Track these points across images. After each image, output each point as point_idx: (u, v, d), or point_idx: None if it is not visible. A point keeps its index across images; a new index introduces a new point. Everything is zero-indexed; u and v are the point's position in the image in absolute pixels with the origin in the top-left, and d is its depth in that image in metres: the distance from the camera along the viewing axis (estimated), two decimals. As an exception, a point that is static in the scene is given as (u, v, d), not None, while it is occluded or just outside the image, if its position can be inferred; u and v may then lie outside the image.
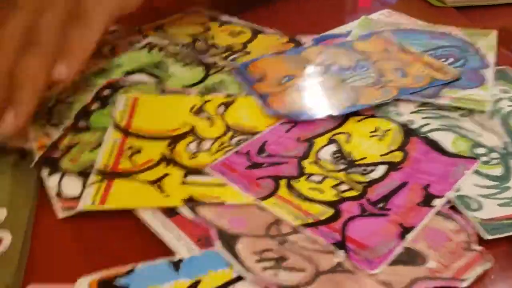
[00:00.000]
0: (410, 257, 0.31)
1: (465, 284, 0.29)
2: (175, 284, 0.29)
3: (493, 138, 0.40)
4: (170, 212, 0.35)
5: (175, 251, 0.32)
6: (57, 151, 0.41)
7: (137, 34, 0.59)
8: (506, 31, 0.56)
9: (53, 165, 0.39)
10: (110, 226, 0.35)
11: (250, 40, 0.57)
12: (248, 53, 0.55)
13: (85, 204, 0.36)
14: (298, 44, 0.55)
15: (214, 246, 0.32)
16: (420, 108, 0.44)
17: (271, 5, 0.66)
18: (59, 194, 0.37)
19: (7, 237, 0.34)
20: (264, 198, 0.35)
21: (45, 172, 0.39)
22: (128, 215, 0.35)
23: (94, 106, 0.45)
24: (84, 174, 0.39)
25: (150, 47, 0.54)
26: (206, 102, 0.46)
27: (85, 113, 0.45)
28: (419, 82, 0.47)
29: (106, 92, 0.47)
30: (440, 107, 0.44)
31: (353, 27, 0.58)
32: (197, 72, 0.51)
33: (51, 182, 0.38)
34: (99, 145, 0.41)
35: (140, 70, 0.51)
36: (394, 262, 0.30)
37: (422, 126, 0.42)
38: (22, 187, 0.38)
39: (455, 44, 0.54)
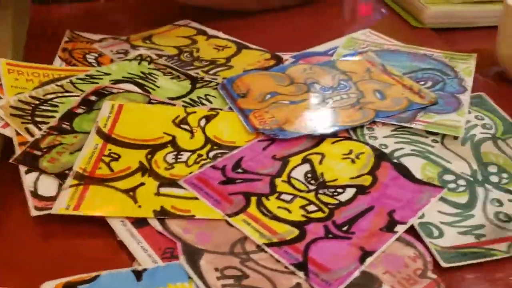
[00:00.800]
0: (366, 281, 0.32)
1: (417, 310, 0.30)
2: (136, 294, 0.31)
3: (463, 165, 0.41)
4: (140, 223, 0.36)
5: (140, 262, 0.33)
6: (38, 150, 0.42)
7: (125, 43, 0.60)
8: (482, 54, 0.57)
9: (32, 163, 0.40)
10: (81, 231, 0.36)
11: (234, 55, 0.58)
12: (231, 67, 0.56)
13: (60, 207, 0.37)
14: (280, 60, 0.57)
15: (179, 259, 0.33)
16: (394, 132, 0.45)
17: (257, 22, 0.67)
18: (34, 193, 0.38)
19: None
20: (233, 214, 0.36)
21: (23, 169, 0.40)
22: (99, 222, 0.36)
23: (80, 110, 0.47)
24: (61, 175, 0.40)
25: (141, 59, 0.56)
26: (189, 114, 0.47)
27: (70, 115, 0.46)
28: (397, 105, 0.48)
29: (93, 98, 0.48)
30: (414, 132, 0.45)
31: (334, 45, 0.59)
32: (184, 85, 0.53)
33: (28, 179, 0.39)
34: (80, 148, 0.42)
35: (129, 79, 0.52)
36: (351, 285, 0.31)
37: (394, 150, 0.43)
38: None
39: (435, 67, 0.55)
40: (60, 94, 0.48)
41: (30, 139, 0.43)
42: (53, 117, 0.45)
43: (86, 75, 0.52)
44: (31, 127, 0.44)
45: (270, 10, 0.69)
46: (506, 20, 0.53)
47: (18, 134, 0.43)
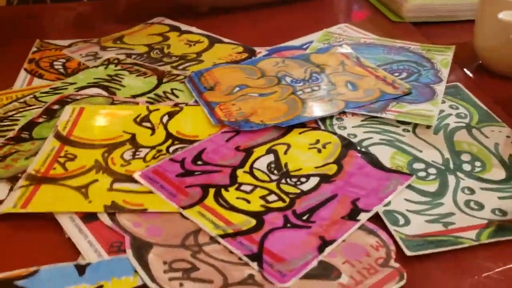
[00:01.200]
0: (324, 271, 0.29)
1: (376, 301, 0.28)
2: (75, 288, 0.28)
3: (434, 153, 0.39)
4: (90, 218, 0.34)
5: (85, 256, 0.31)
6: None
7: (95, 45, 0.58)
8: (460, 47, 0.55)
9: None
10: (28, 230, 0.34)
11: (206, 49, 0.57)
12: (202, 61, 0.54)
13: (7, 206, 0.35)
14: (252, 53, 0.55)
15: (126, 253, 0.31)
16: (364, 122, 0.43)
17: (231, 17, 0.66)
18: None
19: None
20: (188, 207, 0.34)
21: None
22: (48, 219, 0.34)
23: (41, 119, 0.45)
24: (14, 179, 0.38)
25: (108, 62, 0.54)
26: (151, 111, 0.45)
27: (30, 125, 0.44)
28: (369, 96, 0.46)
29: (56, 106, 0.46)
30: (385, 122, 0.43)
31: (309, 40, 0.58)
32: (150, 81, 0.51)
33: None
34: (36, 153, 0.40)
35: (93, 84, 0.51)
36: (307, 276, 0.29)
37: (363, 140, 0.41)
38: None
39: (411, 59, 0.53)
40: (21, 109, 0.46)
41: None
42: (13, 130, 0.43)
43: (51, 88, 0.50)
44: None
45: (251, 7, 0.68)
46: (482, 10, 0.52)
47: None
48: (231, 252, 0.31)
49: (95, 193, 0.36)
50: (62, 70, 0.54)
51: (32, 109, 0.46)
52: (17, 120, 0.45)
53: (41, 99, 0.48)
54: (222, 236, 0.32)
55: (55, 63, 0.55)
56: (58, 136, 0.42)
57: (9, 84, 0.51)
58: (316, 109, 0.44)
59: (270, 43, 0.58)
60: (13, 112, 0.46)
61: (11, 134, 0.43)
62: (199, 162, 0.39)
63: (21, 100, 0.48)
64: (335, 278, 0.29)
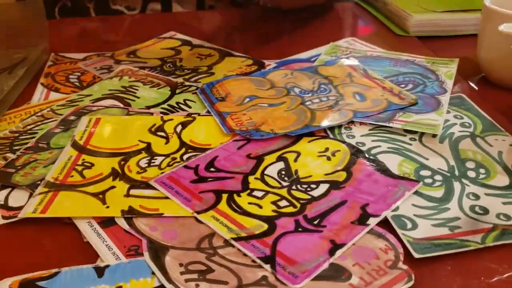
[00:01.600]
0: (335, 273, 0.31)
1: (386, 301, 0.29)
2: (95, 289, 0.30)
3: (440, 161, 0.41)
4: (107, 223, 0.35)
5: (104, 259, 0.32)
6: (12, 168, 0.41)
7: (109, 59, 0.60)
8: (464, 61, 0.57)
9: (5, 179, 0.40)
10: (47, 235, 0.35)
11: (216, 62, 0.59)
12: (213, 74, 0.56)
13: (27, 211, 0.36)
14: (261, 66, 0.57)
15: (143, 256, 0.32)
16: (372, 132, 0.44)
17: (243, 32, 0.68)
18: (3, 205, 0.38)
19: None
20: (203, 211, 0.36)
21: None
22: (67, 225, 0.36)
23: (57, 130, 0.46)
24: (33, 185, 0.39)
25: (122, 74, 0.56)
26: (166, 121, 0.47)
27: (48, 135, 0.45)
28: (376, 106, 0.47)
29: (72, 117, 0.48)
30: (392, 131, 0.44)
31: (317, 53, 0.59)
32: (164, 92, 0.52)
33: None
34: (54, 162, 0.42)
35: (109, 95, 0.52)
36: (319, 277, 0.30)
37: (371, 148, 0.42)
38: None
39: (417, 71, 0.55)
40: (39, 123, 0.48)
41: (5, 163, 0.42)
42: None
43: (67, 101, 0.51)
44: (9, 154, 0.43)
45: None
46: (484, 23, 0.53)
47: None
48: (244, 254, 0.32)
49: (112, 199, 0.37)
50: (77, 83, 0.55)
51: (49, 122, 0.48)
52: (35, 133, 0.46)
53: (57, 111, 0.50)
54: (236, 240, 0.33)
55: (70, 76, 0.57)
56: (75, 145, 0.43)
57: (26, 99, 0.53)
58: (325, 119, 0.45)
59: (278, 57, 0.59)
60: (32, 126, 0.47)
61: (29, 144, 0.44)
62: (212, 169, 0.40)
63: (39, 114, 0.49)
64: (346, 279, 0.30)
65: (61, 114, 0.49)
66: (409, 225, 0.34)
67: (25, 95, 0.53)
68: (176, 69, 0.57)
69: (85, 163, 0.41)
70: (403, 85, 0.52)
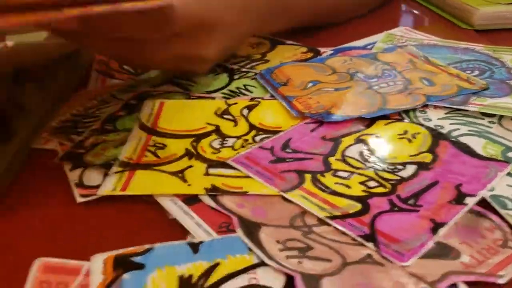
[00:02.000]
0: (443, 251, 0.29)
1: (502, 280, 0.27)
2: (193, 265, 0.28)
3: (525, 144, 0.39)
4: (191, 200, 0.34)
5: (195, 236, 0.31)
6: (82, 148, 0.40)
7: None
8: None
9: (76, 160, 0.39)
10: (130, 211, 0.34)
11: (269, 50, 0.57)
12: (267, 61, 0.54)
13: (107, 189, 0.35)
14: (317, 53, 0.55)
15: (236, 233, 0.31)
16: (448, 115, 0.43)
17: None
18: (79, 184, 0.36)
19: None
20: (288, 190, 0.34)
21: (67, 167, 0.38)
22: (148, 203, 0.34)
23: (121, 113, 0.45)
24: (107, 165, 0.38)
25: None
26: (230, 105, 0.46)
27: (112, 118, 0.44)
28: (446, 90, 0.46)
29: (133, 102, 0.47)
30: (468, 115, 0.43)
31: (371, 41, 0.58)
32: (222, 78, 0.51)
33: (73, 175, 0.37)
34: (124, 143, 0.40)
35: (167, 81, 0.51)
36: (426, 256, 0.29)
37: (451, 131, 0.41)
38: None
39: (480, 58, 0.53)
40: (101, 107, 0.47)
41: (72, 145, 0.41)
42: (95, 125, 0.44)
43: (127, 86, 0.50)
44: (74, 136, 0.42)
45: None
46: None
47: (61, 144, 0.41)
48: (342, 233, 0.31)
49: (192, 178, 0.36)
50: (132, 70, 0.54)
51: (110, 106, 0.47)
52: (97, 116, 0.45)
53: (117, 96, 0.48)
54: (331, 218, 0.32)
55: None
56: (143, 127, 0.42)
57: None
58: (398, 102, 0.44)
59: (330, 45, 0.58)
60: (93, 110, 0.46)
61: (94, 126, 0.43)
62: (288, 150, 0.39)
63: (99, 99, 0.48)
64: (455, 258, 0.29)
65: (121, 99, 0.48)
66: (510, 205, 0.32)
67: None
68: (229, 57, 0.56)
69: (157, 144, 0.40)
70: (468, 71, 0.50)
